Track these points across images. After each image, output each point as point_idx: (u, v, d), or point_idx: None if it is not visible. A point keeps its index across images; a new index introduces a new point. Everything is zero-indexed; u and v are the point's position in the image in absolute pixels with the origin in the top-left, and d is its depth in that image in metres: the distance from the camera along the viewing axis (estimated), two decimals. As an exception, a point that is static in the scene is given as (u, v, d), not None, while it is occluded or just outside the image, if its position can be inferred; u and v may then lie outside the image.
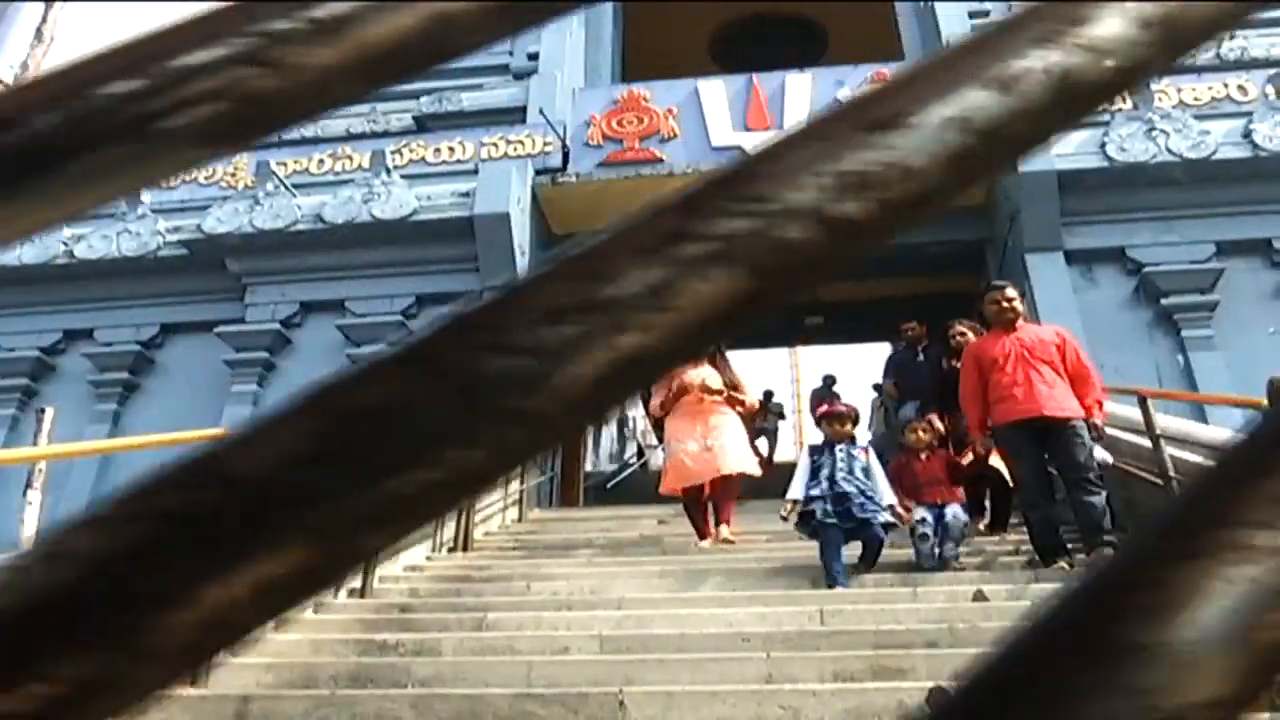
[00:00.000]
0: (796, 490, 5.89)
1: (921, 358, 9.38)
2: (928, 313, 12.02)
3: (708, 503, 7.24)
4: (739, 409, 7.34)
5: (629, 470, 19.95)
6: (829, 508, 5.62)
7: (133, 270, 11.78)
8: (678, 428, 7.17)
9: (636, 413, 22.27)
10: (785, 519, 6.05)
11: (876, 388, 20.52)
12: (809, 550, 5.95)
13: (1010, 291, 6.22)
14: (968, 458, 6.33)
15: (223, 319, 11.42)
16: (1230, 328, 9.53)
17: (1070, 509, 5.64)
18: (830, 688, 3.59)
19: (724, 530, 7.10)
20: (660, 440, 7.50)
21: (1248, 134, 10.04)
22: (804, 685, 3.69)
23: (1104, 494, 5.60)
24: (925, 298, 12.88)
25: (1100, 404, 5.89)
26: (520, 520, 9.56)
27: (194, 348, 11.59)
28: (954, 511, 5.89)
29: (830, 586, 5.38)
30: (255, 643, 4.74)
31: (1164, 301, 9.63)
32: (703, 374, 7.11)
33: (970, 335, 7.99)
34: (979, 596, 5.21)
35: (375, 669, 4.22)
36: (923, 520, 5.79)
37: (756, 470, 7.30)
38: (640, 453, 22.78)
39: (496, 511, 9.08)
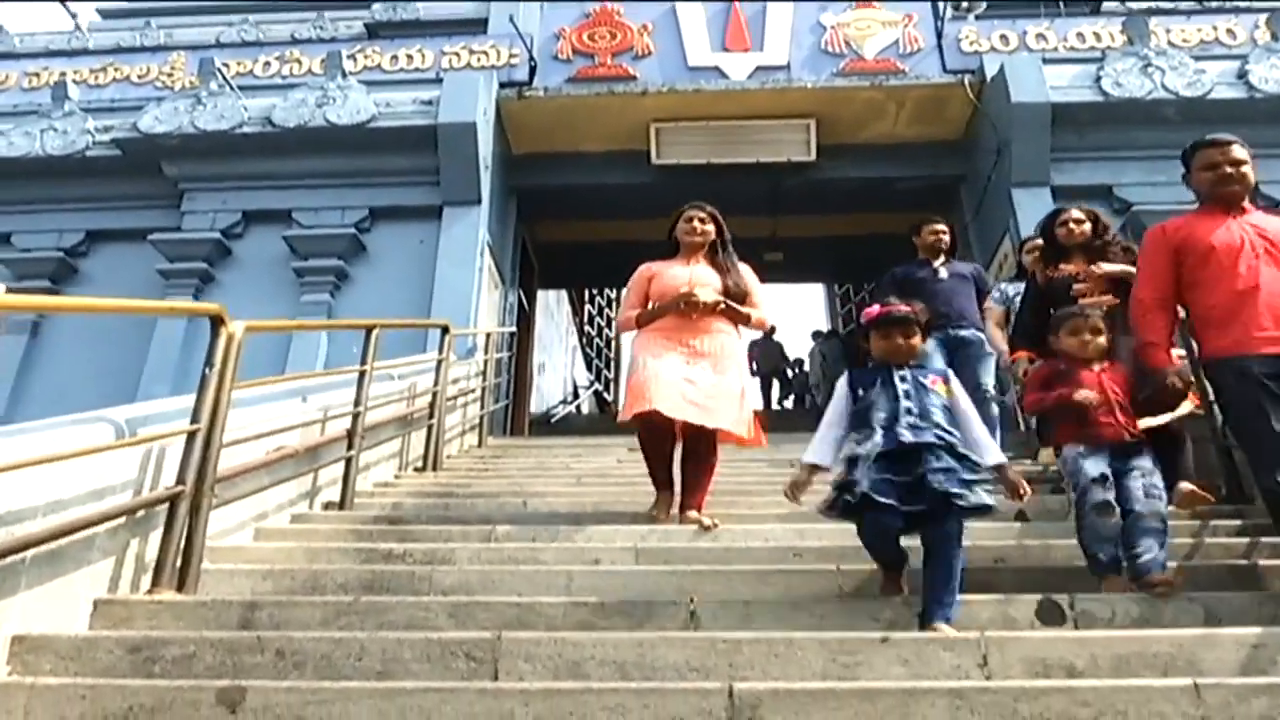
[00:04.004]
0: (822, 450, 3.50)
1: (944, 275, 6.97)
2: (892, 253, 11.77)
3: (674, 443, 4.94)
4: (745, 325, 5.17)
5: (568, 408, 19.57)
6: (886, 476, 3.18)
7: (58, 171, 10.90)
8: (651, 342, 5.00)
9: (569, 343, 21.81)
10: (793, 497, 3.57)
11: (816, 335, 20.48)
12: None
13: (1238, 150, 3.89)
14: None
15: (156, 227, 10.61)
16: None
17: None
18: (925, 599, 3.20)
19: (692, 515, 4.76)
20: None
21: (1243, 75, 9.86)
22: (895, 596, 3.29)
23: None
24: (890, 237, 12.57)
25: None
26: (480, 445, 9.07)
27: (123, 257, 10.76)
28: (1145, 474, 3.54)
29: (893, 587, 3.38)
30: (230, 551, 4.21)
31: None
32: (695, 275, 5.09)
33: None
34: (1020, 516, 4.74)
35: (390, 577, 3.71)
36: (1101, 479, 3.50)
37: (746, 432, 4.88)
38: (575, 393, 22.39)
39: (455, 436, 8.57)
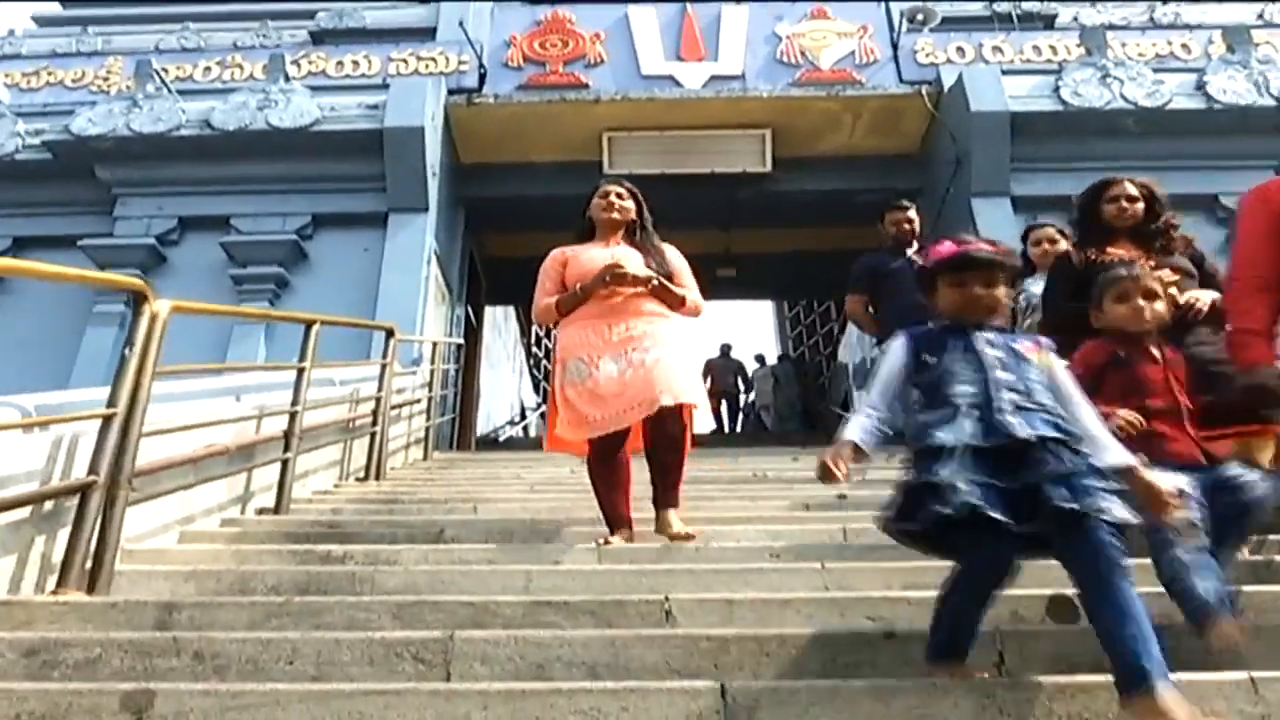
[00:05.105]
0: (865, 427, 2.50)
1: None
2: (848, 269, 11.58)
3: (629, 465, 4.27)
4: (679, 309, 4.46)
5: (515, 428, 19.15)
6: (986, 479, 2.20)
7: (-17, 175, 10.39)
8: (579, 338, 4.33)
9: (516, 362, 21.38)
10: (829, 475, 2.41)
11: (759, 359, 20.28)
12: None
13: None
14: None
15: (88, 233, 10.13)
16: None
17: None
18: (925, 595, 2.89)
19: (671, 520, 4.12)
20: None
21: (1201, 86, 9.81)
22: (891, 593, 2.98)
23: None
24: (846, 252, 12.36)
25: None
26: (426, 458, 8.68)
27: (52, 264, 10.18)
28: (1237, 480, 2.64)
29: None
30: (151, 553, 3.82)
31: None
32: (618, 254, 4.42)
33: (1063, 243, 5.35)
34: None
35: (328, 579, 3.34)
36: (1183, 496, 2.42)
37: (704, 401, 4.41)
38: (523, 414, 21.94)
39: (399, 449, 8.17)
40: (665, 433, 4.16)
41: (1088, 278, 3.86)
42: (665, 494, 4.18)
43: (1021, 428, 2.25)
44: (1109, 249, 4.13)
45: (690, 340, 4.47)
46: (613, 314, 4.28)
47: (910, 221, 6.56)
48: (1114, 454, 2.33)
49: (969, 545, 2.23)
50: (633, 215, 4.62)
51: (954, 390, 2.39)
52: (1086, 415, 2.41)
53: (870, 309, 6.52)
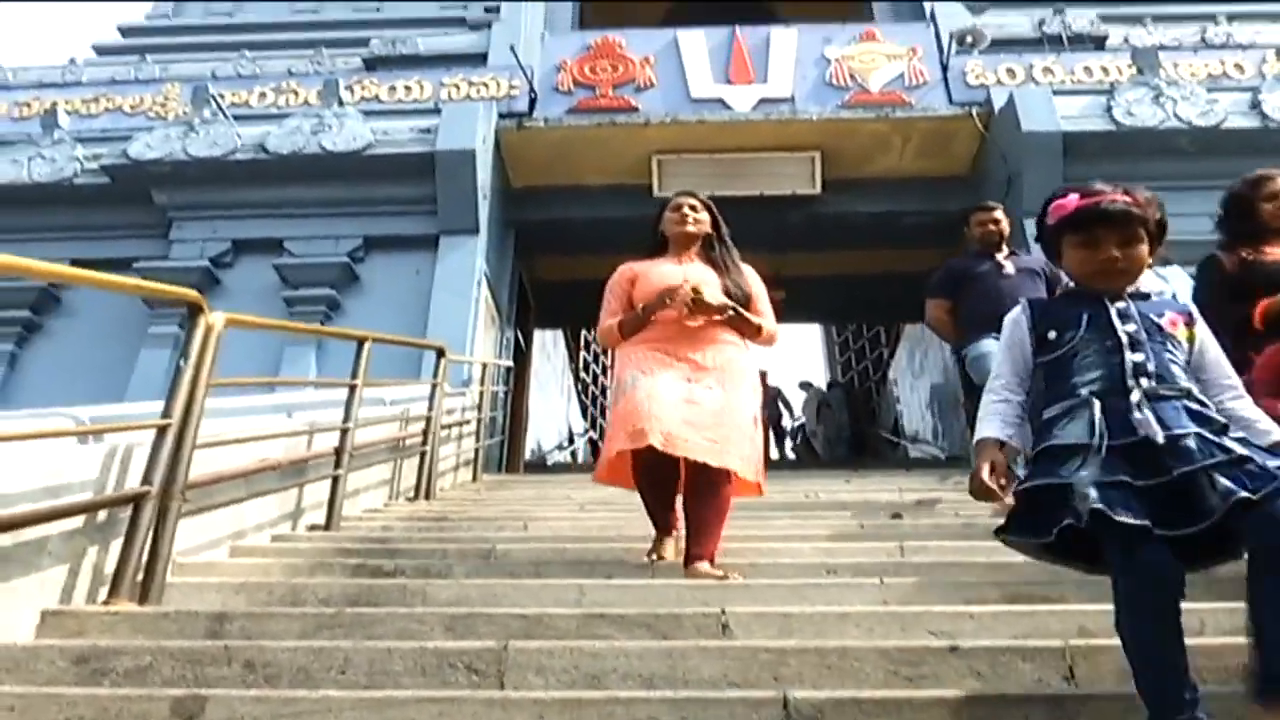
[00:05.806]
0: (1002, 420, 2.26)
1: (1010, 270, 5.81)
2: (901, 291, 11.47)
3: (677, 490, 3.92)
4: (754, 339, 4.10)
5: (564, 453, 19.13)
6: (1120, 478, 1.93)
7: (44, 199, 10.56)
8: (642, 361, 3.93)
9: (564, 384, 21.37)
10: (992, 492, 2.16)
11: (805, 386, 20.17)
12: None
13: None
14: None
15: (143, 255, 10.26)
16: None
17: None
18: (988, 610, 2.81)
19: (700, 570, 3.55)
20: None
21: (1256, 105, 9.65)
22: (952, 608, 2.90)
23: None
24: (896, 275, 12.32)
25: None
26: (475, 480, 8.67)
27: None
28: None
29: None
30: (202, 566, 3.82)
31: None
32: (690, 273, 4.03)
33: None
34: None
35: (379, 591, 3.32)
36: None
37: (752, 475, 3.83)
38: (571, 439, 21.92)
39: (448, 470, 8.17)
40: (709, 480, 3.72)
41: (1244, 281, 3.72)
42: (697, 544, 3.65)
43: (1153, 424, 1.97)
44: (1265, 248, 3.84)
45: (755, 381, 4.10)
46: (682, 338, 3.93)
47: (997, 223, 6.01)
48: (1271, 432, 2.09)
49: (1114, 558, 1.87)
50: (708, 229, 4.22)
51: (1079, 377, 2.12)
52: (1231, 394, 2.18)
53: (951, 311, 6.00)
